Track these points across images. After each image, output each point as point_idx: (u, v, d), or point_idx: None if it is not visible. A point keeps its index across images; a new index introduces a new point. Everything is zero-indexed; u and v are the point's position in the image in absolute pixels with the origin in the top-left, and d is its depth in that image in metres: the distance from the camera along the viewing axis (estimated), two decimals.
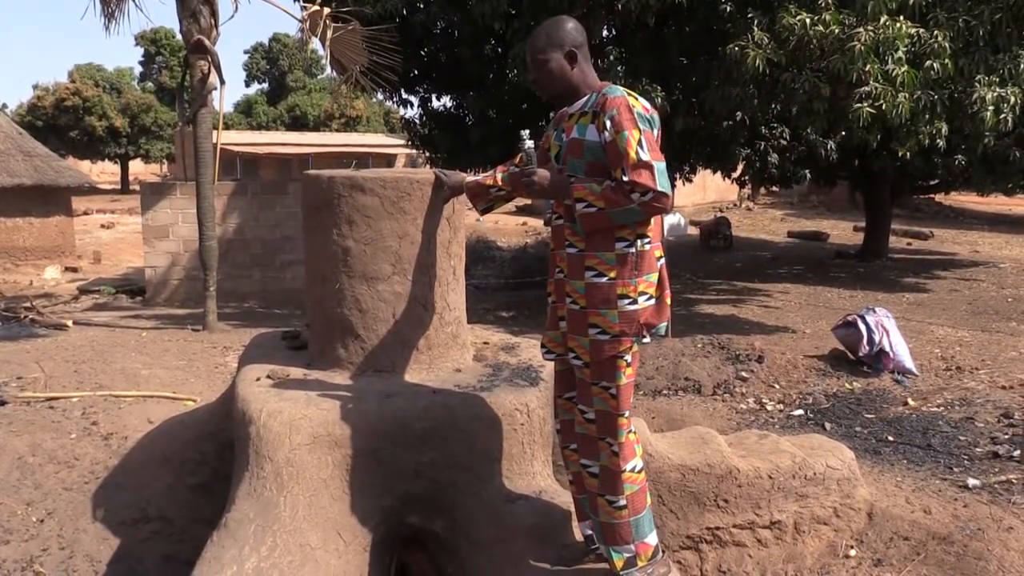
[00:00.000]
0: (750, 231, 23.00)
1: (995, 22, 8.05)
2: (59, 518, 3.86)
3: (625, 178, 2.45)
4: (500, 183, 3.06)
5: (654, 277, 2.63)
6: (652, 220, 2.59)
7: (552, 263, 2.79)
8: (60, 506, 3.93)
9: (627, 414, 2.61)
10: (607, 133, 2.51)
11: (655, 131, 2.56)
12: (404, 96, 13.14)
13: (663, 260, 2.67)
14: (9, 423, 4.63)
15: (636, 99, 2.56)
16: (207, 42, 9.44)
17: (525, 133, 2.67)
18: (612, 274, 2.57)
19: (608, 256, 2.57)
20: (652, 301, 2.62)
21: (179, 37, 10.79)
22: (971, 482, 4.68)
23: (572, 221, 2.61)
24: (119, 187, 41.79)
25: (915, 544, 3.95)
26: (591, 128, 2.58)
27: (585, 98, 2.66)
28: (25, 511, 3.90)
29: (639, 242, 2.58)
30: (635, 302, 2.57)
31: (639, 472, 2.66)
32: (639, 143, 2.46)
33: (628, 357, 2.59)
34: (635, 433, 2.68)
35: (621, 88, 2.61)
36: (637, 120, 2.50)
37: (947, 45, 7.83)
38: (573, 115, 2.68)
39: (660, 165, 2.47)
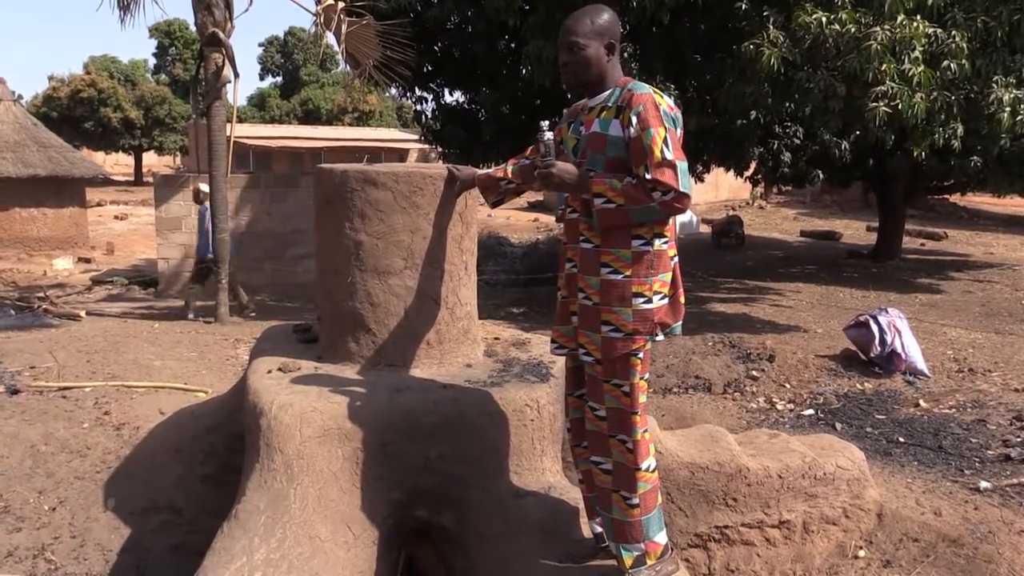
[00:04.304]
0: (762, 230, 22.90)
1: (1013, 23, 7.99)
2: (71, 507, 3.89)
3: (648, 176, 2.44)
4: (511, 176, 3.06)
5: (668, 276, 2.61)
6: (670, 219, 2.58)
7: (563, 257, 2.78)
8: (72, 495, 3.96)
9: (641, 412, 2.61)
10: (632, 129, 2.49)
11: (678, 130, 2.55)
12: (417, 91, 13.14)
13: (676, 259, 2.66)
14: (22, 412, 4.67)
15: (662, 97, 2.55)
16: (221, 35, 9.47)
17: (545, 125, 2.63)
18: (628, 272, 2.55)
19: (624, 253, 2.55)
20: (666, 300, 2.61)
21: (192, 29, 10.87)
22: (982, 485, 4.65)
23: (588, 216, 2.59)
24: (133, 179, 41.99)
25: (925, 546, 3.94)
26: (615, 123, 2.56)
27: (608, 92, 2.64)
28: (37, 499, 3.93)
29: (656, 241, 2.56)
30: (650, 301, 2.56)
31: (652, 471, 2.66)
32: (664, 141, 2.45)
33: (641, 355, 2.59)
34: (649, 432, 2.67)
35: (647, 85, 2.59)
36: (663, 118, 2.48)
37: (964, 45, 7.77)
38: (593, 108, 2.66)
39: (683, 165, 2.46)
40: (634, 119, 2.49)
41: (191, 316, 10.17)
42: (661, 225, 2.57)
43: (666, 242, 2.59)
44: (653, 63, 9.74)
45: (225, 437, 3.74)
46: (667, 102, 2.55)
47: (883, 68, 7.63)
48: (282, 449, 2.92)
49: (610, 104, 2.60)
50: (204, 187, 10.72)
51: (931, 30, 7.74)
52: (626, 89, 2.58)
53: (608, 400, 2.61)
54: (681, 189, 2.43)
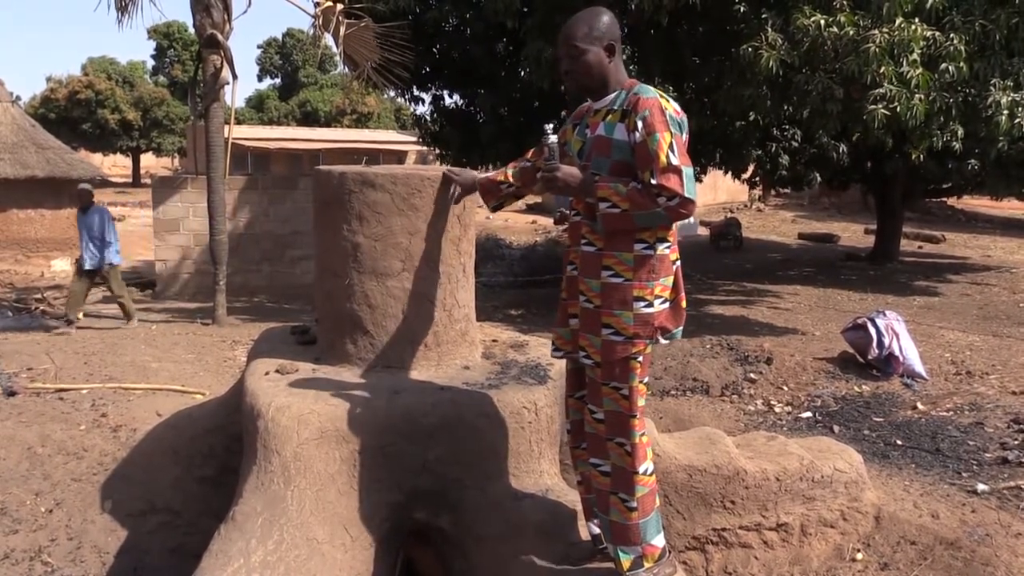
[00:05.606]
0: (760, 232, 22.93)
1: (1011, 26, 8.00)
2: (67, 509, 3.89)
3: (653, 181, 2.42)
4: (511, 179, 3.04)
5: (670, 280, 2.61)
6: (673, 224, 2.57)
7: (566, 259, 2.78)
8: (68, 497, 3.95)
9: (639, 415, 2.60)
10: (638, 134, 2.47)
11: (684, 135, 2.53)
12: (416, 93, 13.16)
13: (678, 263, 2.65)
14: (19, 414, 4.66)
15: (668, 101, 2.53)
16: (220, 37, 9.47)
17: (549, 127, 2.60)
18: (629, 275, 2.54)
19: (626, 257, 2.54)
20: (667, 304, 2.60)
21: (191, 31, 10.87)
22: (980, 487, 4.65)
23: (592, 219, 2.58)
24: (131, 180, 41.96)
25: (922, 549, 3.93)
26: (620, 127, 2.54)
27: (613, 95, 2.62)
28: (34, 501, 3.92)
29: (659, 245, 2.55)
30: (651, 305, 2.55)
31: (650, 475, 2.65)
32: (670, 147, 2.43)
33: (641, 358, 2.58)
34: (647, 435, 2.67)
35: (653, 89, 2.57)
36: (669, 123, 2.47)
37: (963, 48, 7.79)
38: (599, 111, 2.64)
39: (688, 171, 2.44)
40: (640, 124, 2.47)
41: (72, 319, 9.40)
42: (664, 229, 2.55)
43: (669, 246, 2.58)
44: (651, 65, 9.76)
45: (223, 439, 3.74)
46: (673, 106, 2.53)
47: (881, 71, 7.65)
48: (280, 451, 2.92)
49: (615, 107, 2.58)
50: (86, 186, 10.35)
51: (929, 33, 7.76)
52: (632, 92, 2.56)
53: (607, 403, 2.61)
54: (686, 195, 2.41)
